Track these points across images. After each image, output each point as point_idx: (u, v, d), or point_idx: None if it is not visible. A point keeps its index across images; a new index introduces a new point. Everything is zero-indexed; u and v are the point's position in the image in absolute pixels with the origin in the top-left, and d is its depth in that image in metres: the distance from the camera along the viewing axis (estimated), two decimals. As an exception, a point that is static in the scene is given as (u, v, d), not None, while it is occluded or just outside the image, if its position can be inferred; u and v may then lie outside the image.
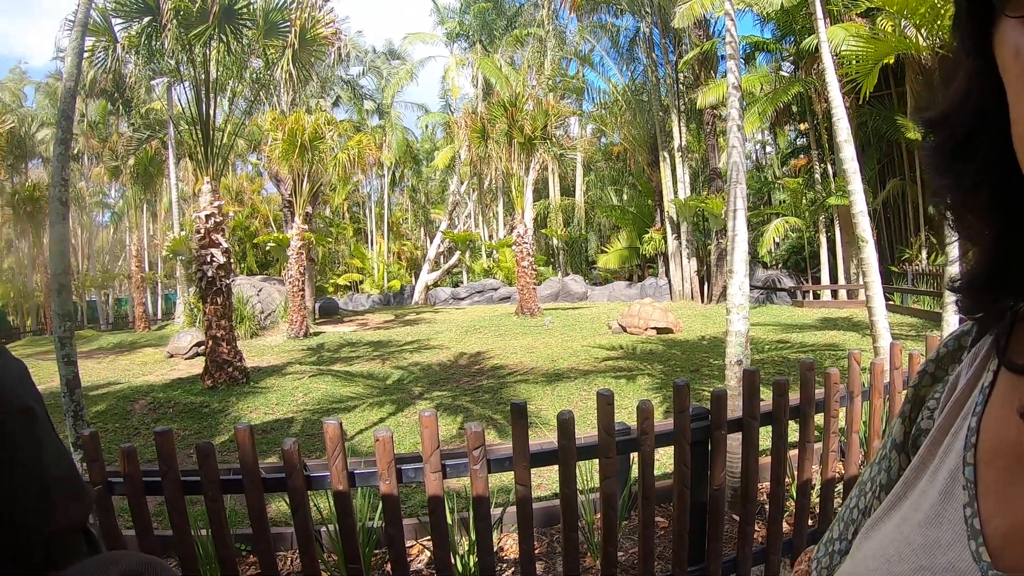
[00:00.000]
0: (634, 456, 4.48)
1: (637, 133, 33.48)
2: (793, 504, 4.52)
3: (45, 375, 16.43)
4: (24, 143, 38.02)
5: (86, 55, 12.69)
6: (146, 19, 13.67)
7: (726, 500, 4.16)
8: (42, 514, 0.69)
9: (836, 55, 10.04)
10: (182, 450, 7.97)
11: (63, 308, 5.89)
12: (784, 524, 4.30)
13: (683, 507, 3.81)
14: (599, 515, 4.25)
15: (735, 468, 4.67)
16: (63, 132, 6.43)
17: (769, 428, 4.09)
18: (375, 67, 44.35)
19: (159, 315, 46.12)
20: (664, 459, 6.06)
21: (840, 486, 4.67)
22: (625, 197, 42.16)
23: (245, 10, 14.33)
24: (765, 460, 4.47)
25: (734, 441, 4.24)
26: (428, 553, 4.76)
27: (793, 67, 28.50)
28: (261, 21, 14.50)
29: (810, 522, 4.41)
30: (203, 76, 14.50)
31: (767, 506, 4.30)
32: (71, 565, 0.65)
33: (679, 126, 30.68)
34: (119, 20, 13.75)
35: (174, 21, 13.47)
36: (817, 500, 4.55)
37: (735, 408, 4.81)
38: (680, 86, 30.64)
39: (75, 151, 35.98)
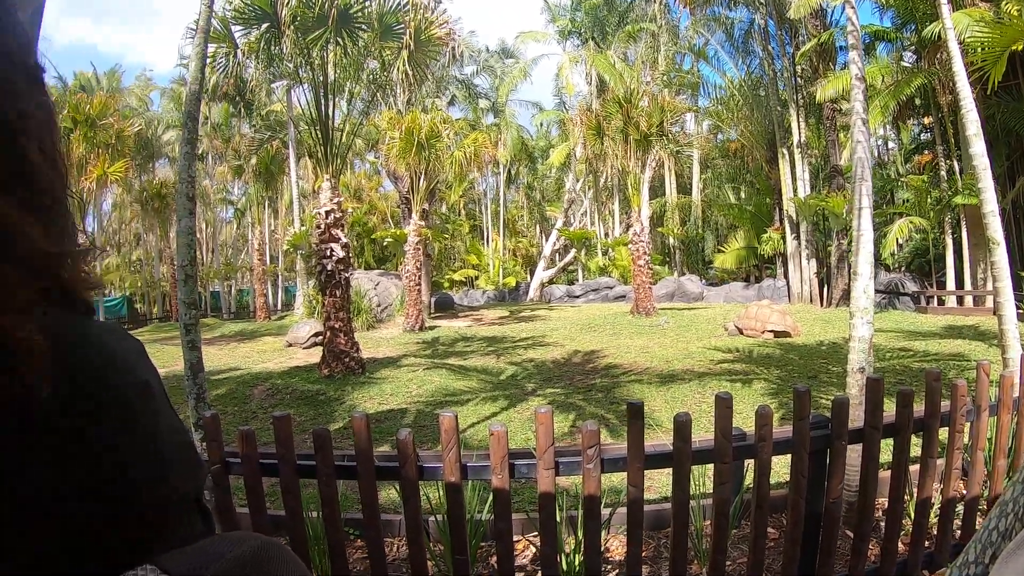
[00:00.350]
0: (748, 463, 4.39)
1: (754, 129, 32.64)
2: (910, 523, 4.29)
3: (169, 359, 17.18)
4: (151, 144, 40.29)
5: (208, 61, 13.21)
6: (264, 25, 14.19)
7: (841, 515, 4.02)
8: (156, 485, 0.69)
9: (960, 43, 9.59)
10: (297, 435, 8.19)
11: (189, 296, 6.13)
12: (899, 544, 4.10)
13: (797, 519, 3.64)
14: (709, 522, 4.10)
15: (851, 481, 4.47)
16: (189, 132, 6.67)
17: (890, 441, 3.89)
18: (489, 66, 44.67)
19: (279, 306, 47.73)
20: (778, 467, 5.90)
21: (961, 507, 4.37)
22: (743, 195, 41.39)
23: (360, 14, 14.65)
24: (883, 474, 4.26)
25: (852, 452, 4.04)
26: (533, 549, 4.71)
27: (915, 57, 27.16)
28: (376, 24, 14.79)
29: (927, 544, 4.14)
30: (321, 78, 14.92)
31: (882, 523, 4.08)
32: (185, 541, 0.66)
33: (798, 121, 29.69)
34: (239, 27, 14.35)
35: (292, 27, 13.90)
36: (936, 520, 4.30)
37: (855, 418, 4.65)
38: (798, 79, 29.60)
39: (200, 151, 37.63)
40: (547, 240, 43.79)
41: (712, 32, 33.79)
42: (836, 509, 3.77)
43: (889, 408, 3.86)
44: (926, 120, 31.17)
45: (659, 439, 7.77)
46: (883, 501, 4.48)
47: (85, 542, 0.62)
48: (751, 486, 3.98)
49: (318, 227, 15.25)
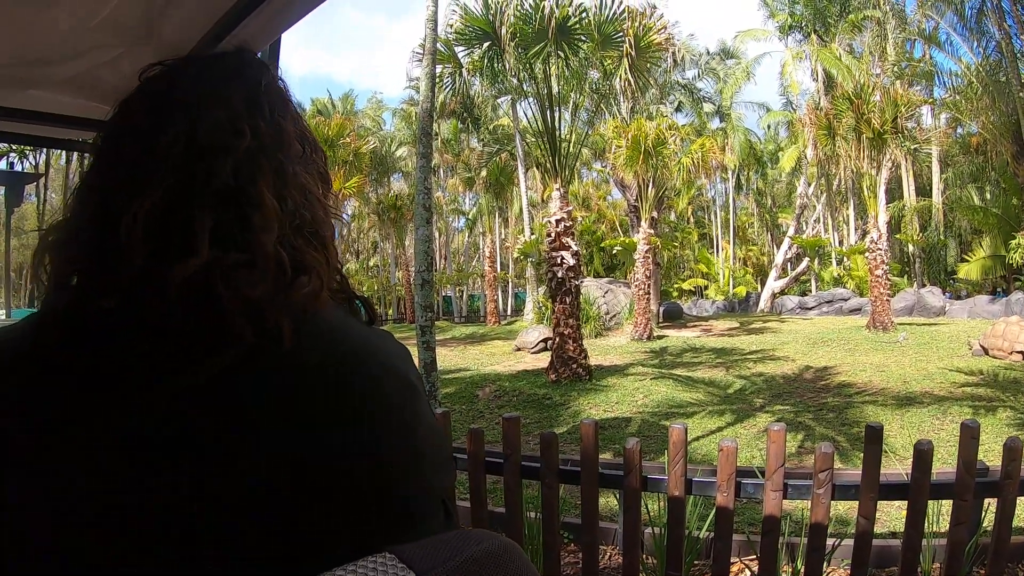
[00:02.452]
0: (988, 502, 4.08)
1: (997, 119, 29.60)
2: None
3: (405, 358, 17.97)
4: (385, 160, 42.71)
5: (436, 81, 13.85)
6: (486, 44, 14.77)
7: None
8: (410, 477, 0.76)
9: None
10: (522, 437, 8.36)
11: (425, 300, 6.47)
12: None
13: None
14: (938, 564, 3.79)
15: None
16: (424, 147, 7.05)
17: None
18: (710, 68, 43.78)
19: (509, 311, 49.06)
20: (1020, 510, 5.41)
21: None
22: (988, 196, 38.26)
23: (579, 25, 14.88)
24: None
25: None
26: (749, 573, 4.62)
27: None
28: (595, 34, 14.95)
29: None
30: (545, 91, 15.27)
31: None
32: (427, 534, 0.70)
33: None
34: (461, 47, 15.00)
35: (512, 43, 14.27)
36: None
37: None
38: None
39: (432, 165, 39.21)
40: (778, 248, 42.31)
41: (942, 14, 31.19)
42: None
43: None
44: None
45: (892, 467, 7.38)
46: None
47: (336, 522, 0.70)
48: (988, 528, 3.70)
49: (548, 235, 15.58)
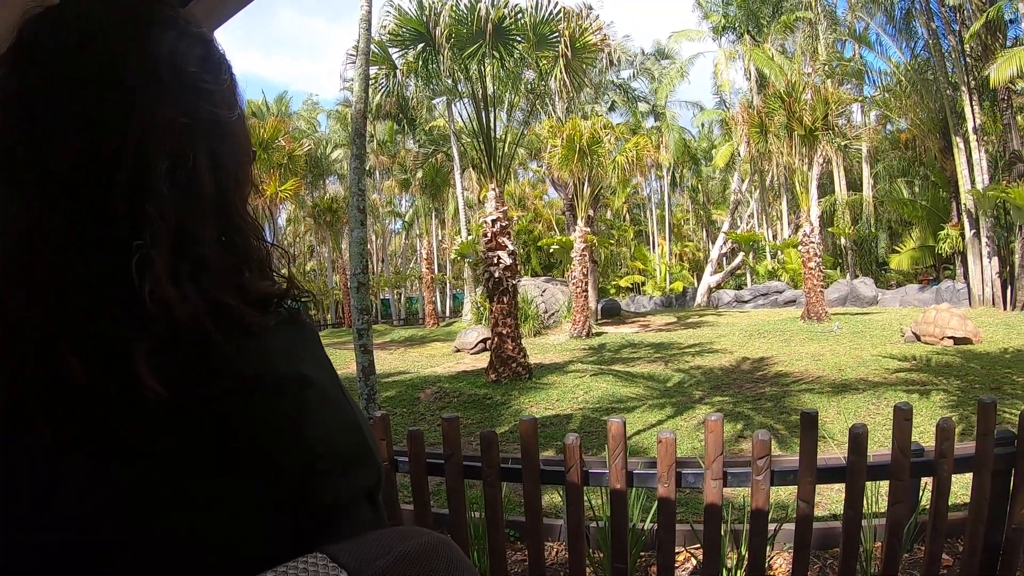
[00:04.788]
0: (925, 481, 4.16)
1: (925, 116, 30.53)
2: None
3: (342, 362, 17.96)
4: (321, 162, 42.38)
5: (370, 82, 13.76)
6: (420, 45, 14.70)
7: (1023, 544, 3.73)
8: (307, 483, 0.71)
9: None
10: (464, 437, 8.34)
11: (361, 303, 6.42)
12: None
13: (975, 545, 3.34)
14: (878, 543, 3.87)
15: None
16: (357, 148, 7.00)
17: None
18: (645, 69, 44.23)
19: (447, 313, 48.95)
20: (956, 488, 5.52)
21: None
22: (917, 190, 39.20)
23: (514, 26, 14.92)
24: None
25: None
26: (694, 561, 4.63)
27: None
28: (531, 35, 14.99)
29: None
30: (480, 92, 15.28)
31: None
32: (353, 532, 0.68)
33: (971, 105, 27.37)
34: (395, 49, 14.97)
35: (448, 44, 14.25)
36: None
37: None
38: (967, 59, 27.59)
39: (367, 167, 39.05)
40: (714, 244, 42.86)
41: (872, 15, 31.92)
42: (1018, 537, 3.42)
43: None
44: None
45: (831, 452, 7.51)
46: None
47: (247, 530, 0.66)
48: (927, 507, 3.78)
49: (485, 236, 15.57)
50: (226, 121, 0.79)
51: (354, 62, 7.86)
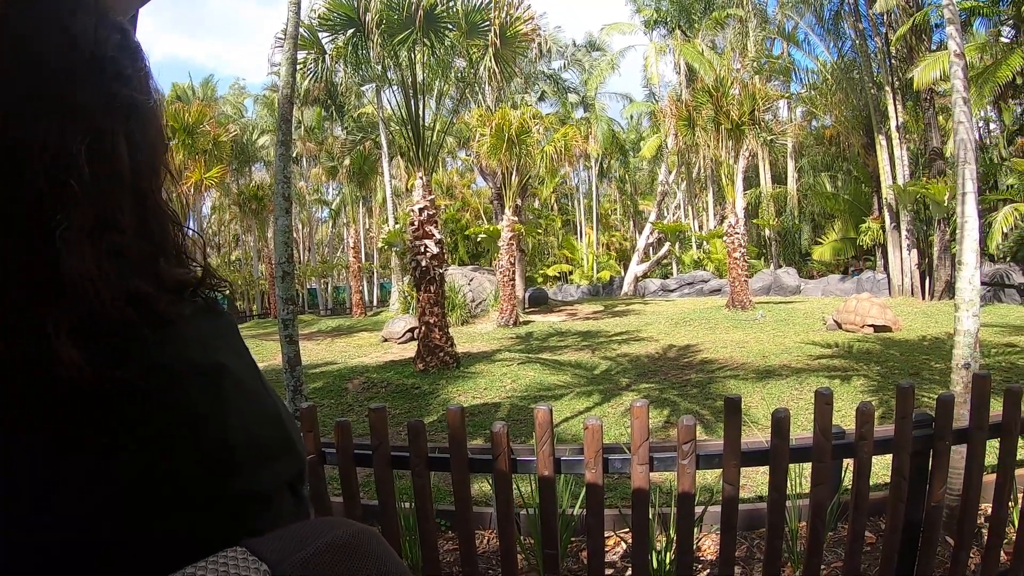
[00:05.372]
0: (846, 463, 4.26)
1: (849, 114, 31.44)
2: (1013, 532, 4.06)
3: (268, 354, 17.71)
4: (247, 149, 41.58)
5: (298, 67, 13.53)
6: (350, 30, 14.48)
7: (942, 520, 3.87)
8: (223, 475, 0.70)
9: None
10: (392, 428, 8.30)
11: (286, 293, 6.31)
12: (1002, 553, 3.84)
13: (896, 523, 3.49)
14: (804, 523, 4.00)
15: (954, 485, 4.26)
16: (283, 135, 6.87)
17: (995, 442, 3.67)
18: (576, 60, 44.50)
19: (375, 302, 48.61)
20: (878, 468, 5.69)
21: None
22: (840, 184, 40.18)
23: (446, 13, 14.84)
24: (988, 478, 4.02)
25: (956, 454, 3.84)
26: (624, 545, 4.68)
27: (1014, 32, 25.98)
28: (462, 23, 14.89)
29: None
30: (410, 79, 15.17)
31: (984, 530, 3.87)
32: (276, 524, 0.67)
33: (894, 104, 28.35)
34: (325, 33, 14.69)
35: (378, 30, 14.09)
36: None
37: (959, 417, 4.47)
38: (892, 60, 28.41)
39: (294, 154, 38.88)
40: (640, 234, 43.35)
41: (801, 14, 32.67)
42: (937, 514, 3.61)
43: (996, 407, 3.65)
44: (1029, 99, 29.83)
45: (756, 436, 7.64)
46: (986, 507, 4.29)
47: (163, 525, 0.64)
48: (849, 487, 3.88)
49: (412, 224, 15.48)
50: (144, 106, 0.78)
51: (282, 46, 7.73)
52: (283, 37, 7.57)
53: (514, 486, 3.79)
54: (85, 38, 0.72)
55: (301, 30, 12.37)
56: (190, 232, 0.85)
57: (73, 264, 0.63)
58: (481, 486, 6.39)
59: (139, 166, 0.75)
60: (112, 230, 0.69)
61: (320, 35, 14.74)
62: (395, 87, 15.72)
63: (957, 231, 5.84)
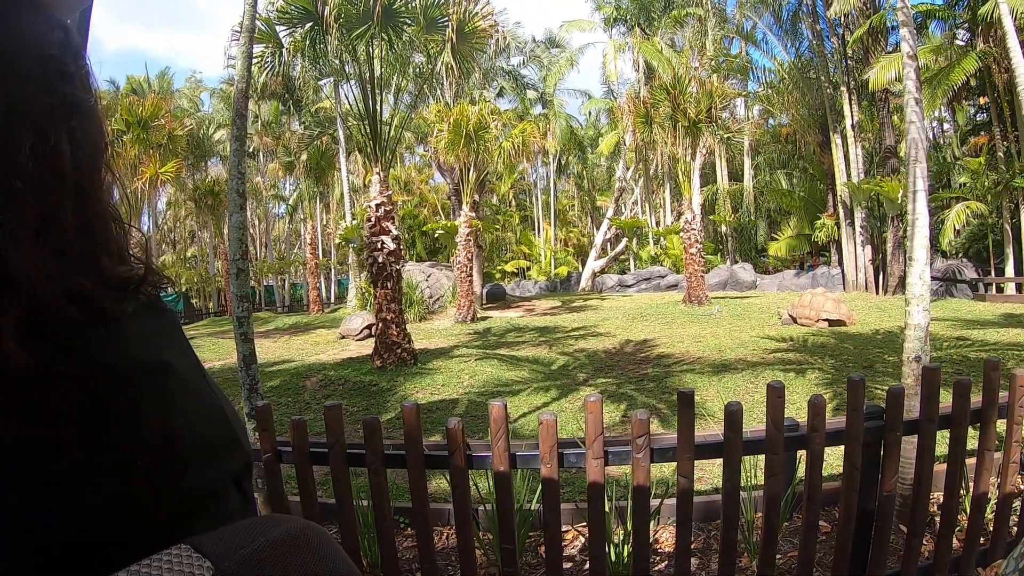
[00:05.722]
0: (800, 454, 4.32)
1: (806, 113, 32.06)
2: (965, 519, 4.19)
3: (225, 352, 17.54)
4: (203, 143, 41.03)
5: (255, 61, 13.39)
6: (308, 24, 14.35)
7: (895, 509, 3.96)
8: (168, 473, 0.69)
9: (1015, 19, 9.13)
10: (350, 425, 8.26)
11: (241, 290, 6.24)
12: (954, 540, 3.97)
13: (849, 513, 3.57)
14: (759, 514, 4.05)
15: (906, 474, 4.36)
16: (238, 130, 6.79)
17: (946, 433, 3.78)
18: (535, 57, 44.60)
19: (332, 299, 48.36)
20: (831, 459, 5.78)
21: (1018, 502, 4.28)
22: (795, 181, 40.73)
23: (404, 8, 14.73)
24: (939, 468, 4.09)
25: (907, 445, 3.98)
26: (582, 539, 4.71)
27: (969, 35, 26.60)
28: (421, 18, 14.84)
29: (982, 540, 4.01)
30: (368, 74, 15.04)
31: (937, 518, 4.00)
32: (222, 521, 0.66)
33: (850, 103, 28.95)
34: (283, 27, 14.54)
35: (336, 24, 13.99)
36: (992, 516, 4.17)
37: (910, 409, 4.55)
38: (849, 60, 28.92)
39: (251, 149, 38.67)
40: (598, 230, 43.57)
41: (760, 14, 33.18)
42: (889, 503, 3.70)
43: (945, 399, 3.76)
44: (982, 100, 30.42)
45: (711, 429, 7.73)
46: (938, 495, 4.39)
47: (106, 524, 0.63)
48: (803, 478, 3.94)
49: (369, 220, 15.37)
50: (86, 104, 0.77)
51: (239, 39, 7.64)
52: (240, 31, 7.49)
53: (472, 482, 3.79)
54: (28, 36, 0.72)
55: (258, 23, 12.25)
56: (133, 229, 0.84)
57: (20, 262, 0.62)
58: (439, 483, 6.38)
59: (81, 164, 0.74)
60: (56, 228, 0.68)
61: (278, 29, 14.56)
62: (353, 82, 15.60)
63: (908, 228, 5.95)
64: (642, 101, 25.76)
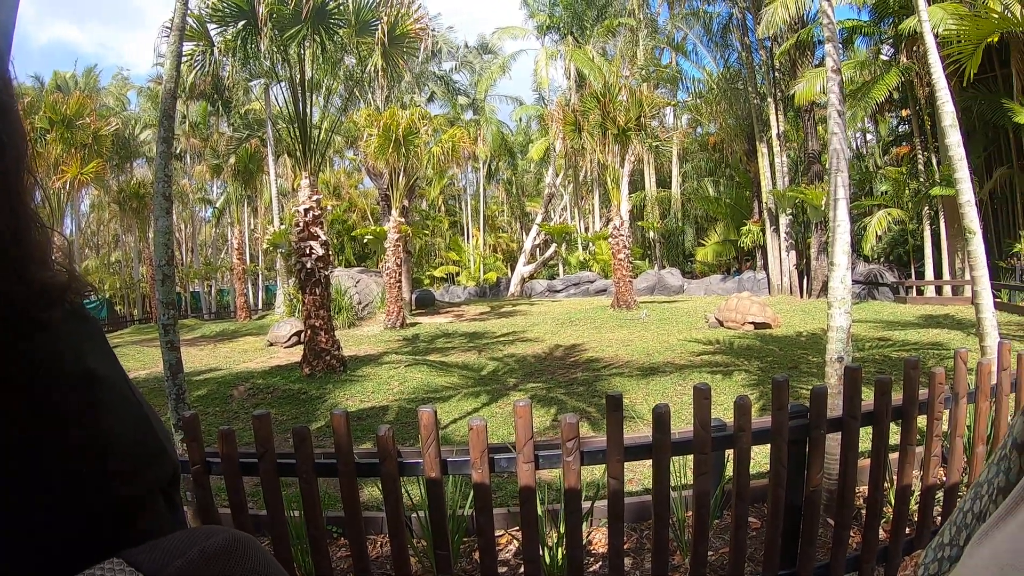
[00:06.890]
0: (729, 453, 4.40)
1: (733, 122, 32.71)
2: (890, 511, 4.33)
3: (150, 360, 17.14)
4: (128, 144, 39.84)
5: (185, 60, 13.12)
6: (241, 23, 14.11)
7: (822, 503, 4.06)
8: (96, 483, 0.68)
9: (936, 36, 9.57)
10: (280, 434, 8.17)
11: (167, 297, 6.12)
12: (880, 531, 4.13)
13: (777, 508, 3.68)
14: (690, 513, 4.13)
15: (831, 470, 4.54)
16: (165, 131, 6.67)
17: (869, 429, 3.91)
18: (467, 62, 44.57)
19: (260, 305, 47.48)
20: (759, 458, 5.88)
21: (940, 494, 4.46)
22: (722, 188, 41.46)
23: (336, 10, 14.62)
24: (864, 463, 4.26)
25: (832, 441, 4.11)
26: (517, 543, 4.72)
27: (893, 50, 27.42)
28: (353, 20, 14.75)
29: (907, 530, 4.20)
30: (299, 76, 14.88)
31: (863, 511, 4.15)
32: (154, 534, 0.65)
33: (776, 114, 29.68)
34: (215, 25, 14.26)
35: (268, 24, 13.81)
36: (916, 507, 4.37)
37: (834, 407, 4.67)
38: (776, 72, 29.67)
39: (177, 150, 37.72)
40: (527, 235, 43.78)
41: (691, 26, 33.75)
42: (816, 498, 3.81)
43: (868, 397, 3.93)
44: (904, 112, 31.42)
45: (640, 432, 7.81)
46: (863, 489, 4.52)
47: (38, 536, 0.62)
48: (732, 476, 4.01)
49: (297, 225, 15.20)
50: (10, 108, 0.75)
51: (168, 37, 7.50)
52: (170, 27, 7.35)
53: (404, 489, 3.78)
54: None
55: (190, 20, 12.05)
56: (56, 233, 0.82)
57: None
58: (371, 491, 6.34)
59: (6, 168, 0.72)
60: None
61: (209, 27, 14.28)
62: (283, 83, 15.44)
63: (830, 234, 6.11)
64: (572, 108, 26.02)
